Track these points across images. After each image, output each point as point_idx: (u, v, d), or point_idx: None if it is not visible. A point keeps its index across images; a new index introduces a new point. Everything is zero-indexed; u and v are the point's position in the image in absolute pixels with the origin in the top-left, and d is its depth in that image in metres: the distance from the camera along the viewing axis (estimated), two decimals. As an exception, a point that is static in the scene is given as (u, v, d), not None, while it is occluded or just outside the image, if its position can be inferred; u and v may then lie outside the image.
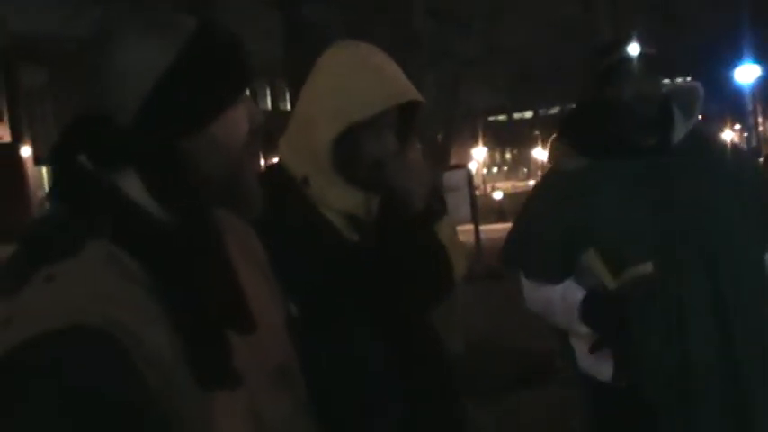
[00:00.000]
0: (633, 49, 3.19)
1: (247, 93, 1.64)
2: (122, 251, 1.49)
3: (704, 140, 3.33)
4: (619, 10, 18.55)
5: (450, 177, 15.05)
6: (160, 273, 1.50)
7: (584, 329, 3.14)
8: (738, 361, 3.13)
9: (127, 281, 1.47)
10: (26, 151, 36.63)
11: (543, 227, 3.32)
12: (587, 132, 3.31)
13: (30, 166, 36.50)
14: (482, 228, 19.82)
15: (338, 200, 2.45)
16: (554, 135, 3.47)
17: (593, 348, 3.10)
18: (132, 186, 1.56)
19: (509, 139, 65.23)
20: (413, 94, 2.43)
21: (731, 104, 34.42)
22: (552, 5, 18.53)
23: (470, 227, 18.54)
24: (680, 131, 3.25)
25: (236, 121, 1.60)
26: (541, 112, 54.35)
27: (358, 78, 2.40)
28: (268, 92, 48.67)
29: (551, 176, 3.44)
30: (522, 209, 3.55)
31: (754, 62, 28.37)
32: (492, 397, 7.44)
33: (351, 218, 2.48)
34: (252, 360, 1.61)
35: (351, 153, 2.41)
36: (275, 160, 2.59)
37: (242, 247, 1.79)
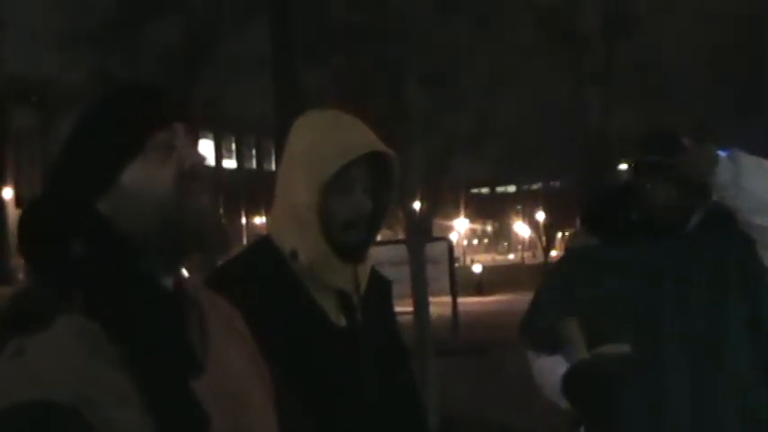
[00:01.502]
0: (677, 154, 3.11)
1: (188, 139, 1.66)
2: (93, 323, 1.48)
3: (716, 224, 3.25)
4: (607, 95, 18.78)
5: (432, 249, 15.07)
6: (127, 343, 1.49)
7: (563, 403, 3.10)
8: None
9: (97, 357, 1.45)
10: (8, 193, 36.49)
11: (549, 301, 3.36)
12: (607, 215, 3.33)
13: (11, 208, 36.35)
14: (460, 300, 19.80)
15: (327, 273, 2.42)
16: (581, 215, 3.56)
17: (570, 427, 3.10)
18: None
19: (491, 212, 65.45)
20: (377, 145, 2.43)
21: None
22: (544, 85, 18.74)
23: (449, 299, 18.53)
24: (697, 215, 3.22)
25: (152, 168, 1.61)
26: (524, 186, 54.79)
27: (322, 138, 2.41)
28: (254, 151, 48.87)
29: (566, 254, 3.57)
30: (539, 287, 3.58)
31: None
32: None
33: (340, 295, 2.46)
34: None
35: (326, 216, 2.39)
36: (258, 219, 2.57)
37: (226, 326, 1.77)
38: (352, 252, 2.43)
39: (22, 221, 1.59)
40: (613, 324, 3.08)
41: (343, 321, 2.44)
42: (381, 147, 2.43)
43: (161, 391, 1.48)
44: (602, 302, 3.17)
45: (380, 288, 2.64)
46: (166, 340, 1.54)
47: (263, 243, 2.55)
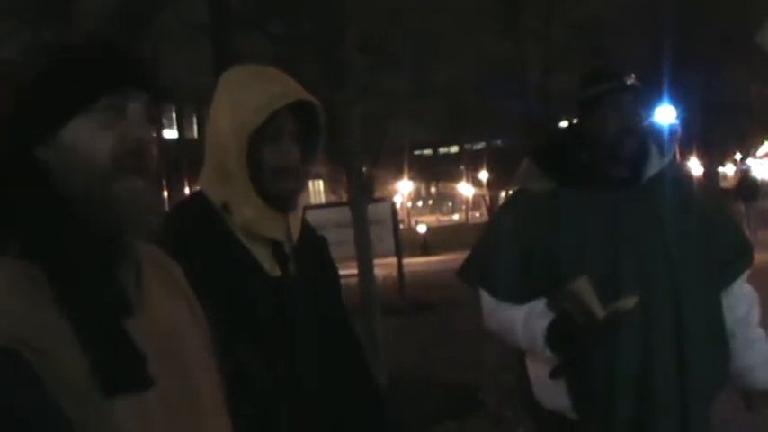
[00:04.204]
0: (628, 79, 3.20)
1: (133, 114, 1.63)
2: (32, 265, 1.51)
3: (674, 179, 3.35)
4: (547, 52, 18.87)
5: (375, 210, 15.11)
6: (60, 283, 1.51)
7: (547, 353, 3.15)
8: (689, 404, 3.20)
9: (33, 298, 1.48)
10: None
11: (507, 247, 3.33)
12: (561, 158, 3.33)
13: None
14: (406, 261, 19.86)
15: (258, 223, 2.45)
16: (527, 158, 3.46)
17: (554, 374, 3.15)
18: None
19: (434, 173, 65.52)
20: (302, 94, 2.46)
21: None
22: (483, 44, 18.76)
23: (394, 260, 18.60)
24: (653, 167, 3.28)
25: (93, 134, 1.59)
26: (467, 147, 54.91)
27: (248, 89, 2.44)
28: (195, 120, 48.38)
29: (517, 196, 3.47)
30: (488, 227, 3.56)
31: (672, 104, 29.03)
32: (417, 430, 7.45)
33: (274, 246, 2.50)
34: (169, 378, 1.63)
35: (255, 166, 2.43)
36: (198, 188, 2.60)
37: (164, 278, 1.80)
38: (283, 201, 2.47)
39: None
40: (578, 273, 3.08)
41: (276, 271, 2.48)
42: (307, 95, 2.46)
43: (94, 329, 1.51)
44: (562, 249, 3.19)
45: (315, 243, 2.68)
46: (97, 282, 1.56)
47: (194, 197, 2.59)
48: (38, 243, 1.53)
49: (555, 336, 3.11)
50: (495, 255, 3.38)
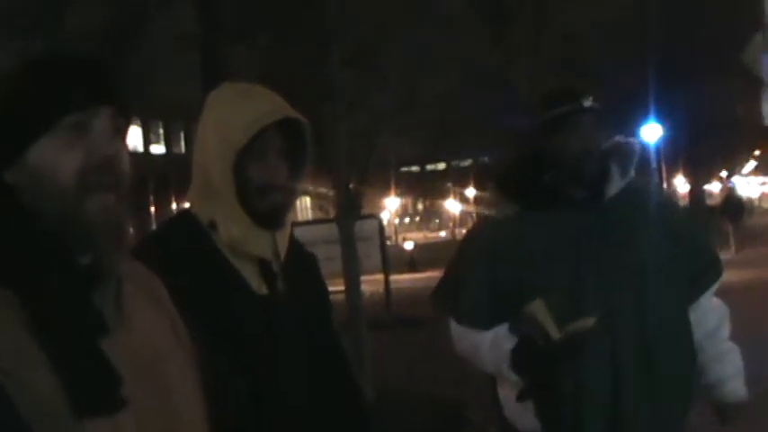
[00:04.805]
0: (586, 101, 3.22)
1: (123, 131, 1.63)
2: (5, 290, 1.50)
3: (638, 196, 3.37)
4: (535, 68, 18.90)
5: (362, 226, 15.11)
6: (32, 307, 1.50)
7: (513, 377, 3.16)
8: (660, 422, 3.20)
9: (4, 320, 1.47)
10: None
11: (473, 273, 3.36)
12: (522, 182, 3.35)
13: None
14: (393, 277, 19.89)
15: (245, 241, 2.45)
16: (492, 183, 3.50)
17: (520, 397, 3.15)
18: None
19: (422, 190, 65.61)
20: (289, 112, 2.47)
21: (639, 162, 35.23)
22: (471, 60, 18.82)
23: (381, 276, 18.61)
24: (615, 186, 3.30)
25: (58, 154, 1.57)
26: (454, 163, 55.01)
27: (235, 107, 2.45)
28: (182, 135, 48.33)
29: (482, 223, 3.52)
30: (455, 254, 3.58)
31: (657, 122, 29.19)
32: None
33: (261, 264, 2.49)
34: (147, 398, 1.61)
35: (242, 184, 2.43)
36: (188, 205, 2.59)
37: (147, 296, 1.79)
38: (270, 218, 2.47)
39: None
40: (541, 294, 3.09)
41: (264, 289, 2.47)
42: (293, 113, 2.47)
43: (67, 350, 1.50)
44: (526, 273, 3.20)
45: (304, 260, 2.68)
46: (70, 303, 1.54)
47: (182, 215, 2.59)
48: (8, 266, 1.52)
49: (518, 359, 3.13)
50: (461, 282, 3.41)
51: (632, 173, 3.34)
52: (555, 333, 3.02)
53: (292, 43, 10.08)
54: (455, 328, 3.40)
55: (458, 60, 16.39)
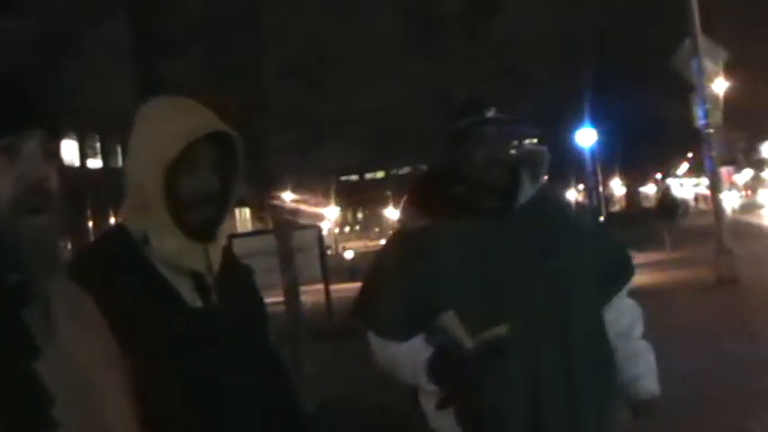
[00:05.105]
0: (489, 112, 3.26)
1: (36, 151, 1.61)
2: None
3: (549, 202, 3.43)
4: (469, 77, 19.02)
5: (301, 237, 15.09)
6: None
7: (430, 387, 3.20)
8: (581, 425, 3.24)
9: None
10: None
11: (388, 285, 3.37)
12: (434, 194, 3.39)
13: None
14: (333, 287, 19.83)
15: (178, 254, 2.45)
16: (405, 196, 3.55)
17: (440, 405, 3.19)
18: None
19: (361, 199, 65.70)
20: (218, 125, 2.48)
21: (575, 166, 35.62)
22: (407, 69, 18.88)
23: (321, 286, 18.58)
24: (525, 194, 3.34)
25: None
26: (393, 172, 55.14)
27: (165, 121, 2.46)
28: (119, 148, 47.90)
29: (396, 236, 3.54)
30: (371, 267, 3.61)
31: (592, 126, 29.52)
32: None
33: (194, 277, 2.49)
34: (79, 418, 1.61)
35: (174, 197, 2.43)
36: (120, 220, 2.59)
37: (77, 315, 1.78)
38: (202, 231, 2.47)
39: None
40: (455, 303, 3.13)
41: (198, 302, 2.47)
42: (223, 126, 2.48)
43: None
44: (439, 283, 3.22)
45: (239, 272, 2.68)
46: (0, 323, 1.54)
47: (115, 231, 2.59)
48: None
49: (434, 369, 3.16)
50: (377, 295, 3.42)
51: (542, 181, 3.39)
52: (468, 342, 3.06)
53: (226, 56, 10.06)
54: (374, 340, 3.41)
55: (394, 71, 16.43)
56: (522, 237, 3.28)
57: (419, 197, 3.45)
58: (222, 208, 2.53)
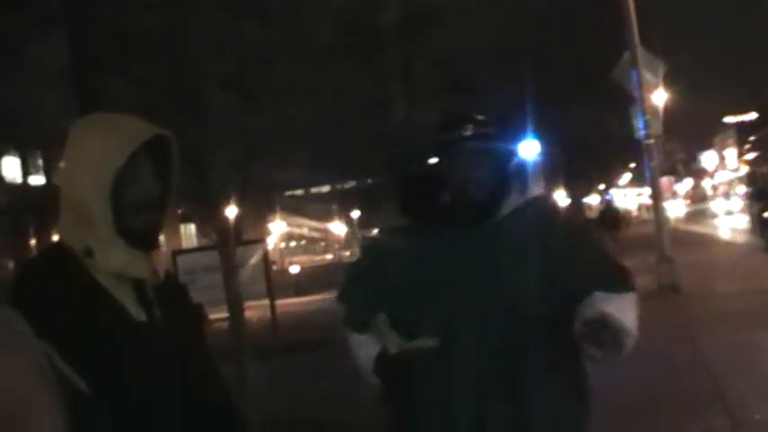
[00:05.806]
0: (467, 130, 3.28)
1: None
2: None
3: (537, 213, 3.39)
4: (407, 92, 19.07)
5: (246, 252, 15.04)
6: None
7: (375, 381, 3.29)
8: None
9: None
10: None
11: (358, 277, 3.56)
12: (416, 197, 3.48)
13: None
14: (279, 302, 19.80)
15: (123, 264, 2.45)
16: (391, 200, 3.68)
17: (381, 400, 3.34)
18: None
19: (306, 213, 65.54)
20: (156, 129, 2.51)
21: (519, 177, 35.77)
22: (348, 82, 18.88)
23: (266, 302, 18.52)
24: (510, 205, 3.33)
25: None
26: (338, 186, 55.08)
27: (102, 134, 2.48)
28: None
29: (376, 236, 3.75)
30: (355, 261, 3.80)
31: (535, 138, 29.73)
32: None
33: (137, 288, 2.49)
34: None
35: (117, 206, 2.44)
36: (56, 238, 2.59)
37: (8, 340, 1.76)
38: (144, 238, 2.49)
39: None
40: (412, 313, 3.23)
41: (142, 316, 2.48)
42: (159, 130, 2.52)
43: None
44: (404, 284, 3.30)
45: (176, 288, 2.70)
46: None
47: (50, 248, 2.60)
48: None
49: (378, 365, 3.23)
50: (349, 285, 3.57)
51: (524, 194, 3.44)
52: (393, 347, 3.15)
53: (162, 72, 10.01)
54: (349, 335, 3.46)
55: (332, 85, 16.42)
56: (490, 250, 3.29)
57: (402, 198, 3.63)
58: (162, 213, 2.56)
